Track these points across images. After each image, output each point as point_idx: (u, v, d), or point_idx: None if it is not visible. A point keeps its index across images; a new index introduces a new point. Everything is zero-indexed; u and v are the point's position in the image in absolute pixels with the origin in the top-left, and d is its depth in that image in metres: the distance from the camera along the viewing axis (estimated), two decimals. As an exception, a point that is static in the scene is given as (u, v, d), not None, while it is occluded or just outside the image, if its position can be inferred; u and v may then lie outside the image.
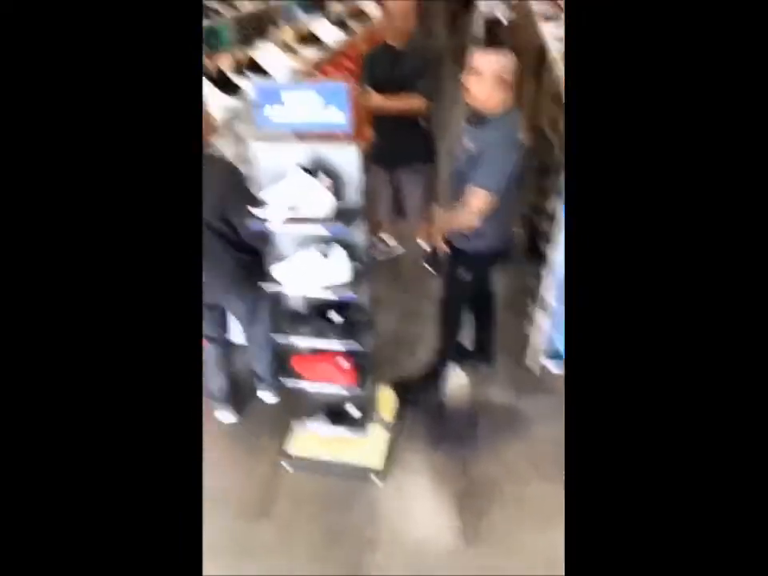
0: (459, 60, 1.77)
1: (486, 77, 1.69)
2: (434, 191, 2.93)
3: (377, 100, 2.49)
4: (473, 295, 2.26)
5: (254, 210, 1.55)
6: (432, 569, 1.81)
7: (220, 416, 2.37)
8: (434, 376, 2.46)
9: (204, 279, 1.66)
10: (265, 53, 2.87)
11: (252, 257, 1.91)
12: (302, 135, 1.63)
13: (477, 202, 1.77)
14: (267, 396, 2.45)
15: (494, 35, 8.86)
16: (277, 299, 1.94)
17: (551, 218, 2.43)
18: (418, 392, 2.45)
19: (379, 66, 2.58)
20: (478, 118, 1.82)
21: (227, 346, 2.32)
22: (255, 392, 2.45)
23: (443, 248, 2.07)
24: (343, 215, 1.57)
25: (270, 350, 2.26)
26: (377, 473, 2.07)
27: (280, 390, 2.37)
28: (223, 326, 2.26)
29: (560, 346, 2.45)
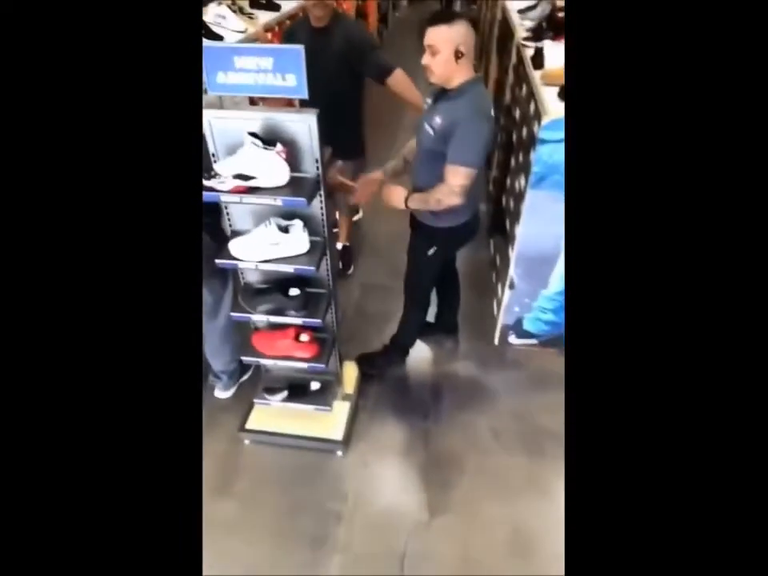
0: (422, 34, 1.71)
1: (443, 51, 1.64)
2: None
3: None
4: (440, 271, 2.25)
5: (207, 182, 1.48)
6: (397, 540, 1.84)
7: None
8: (398, 351, 2.46)
9: None
10: (215, 15, 2.72)
11: (216, 239, 1.81)
12: (256, 102, 1.56)
13: (458, 179, 1.73)
14: (223, 393, 2.34)
15: (449, 4, 8.75)
16: (235, 276, 1.88)
17: (516, 195, 2.44)
18: (382, 366, 2.45)
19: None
20: (442, 94, 1.78)
21: None
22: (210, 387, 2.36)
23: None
24: (301, 187, 1.52)
25: (231, 346, 2.18)
26: (339, 445, 2.08)
27: (238, 386, 2.32)
28: None
29: (524, 321, 2.49)
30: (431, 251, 2.03)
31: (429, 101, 1.87)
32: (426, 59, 1.68)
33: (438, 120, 1.74)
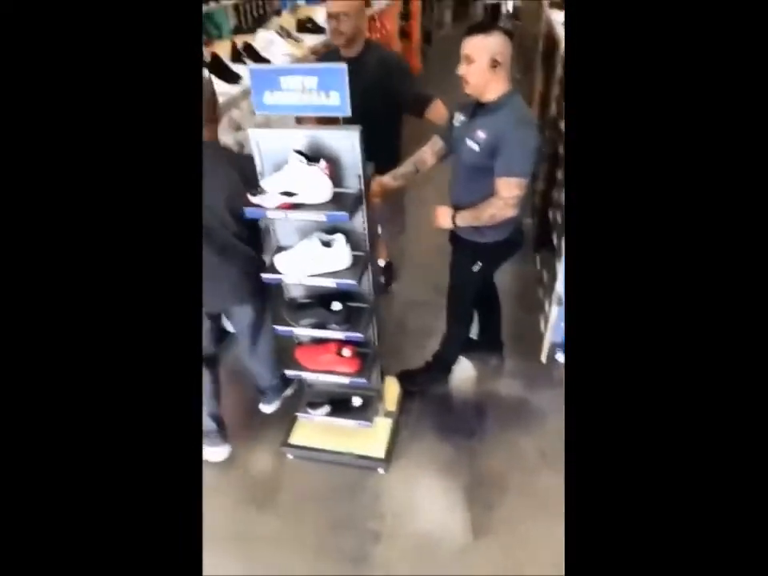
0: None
1: (478, 60, 1.64)
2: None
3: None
4: (481, 287, 2.22)
5: (253, 199, 1.53)
6: (439, 562, 1.79)
7: (210, 455, 2.12)
8: (441, 367, 2.43)
9: (208, 285, 1.44)
10: (264, 40, 2.83)
11: (260, 255, 1.85)
12: (302, 120, 1.59)
13: (512, 191, 1.72)
14: (267, 408, 2.32)
15: (493, 20, 8.77)
16: (278, 291, 1.91)
17: (563, 208, 2.38)
18: (424, 383, 2.42)
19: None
20: (479, 108, 1.77)
21: (216, 366, 2.12)
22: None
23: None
24: (344, 202, 1.54)
25: (273, 361, 2.17)
26: (381, 462, 2.06)
27: (282, 400, 2.33)
28: (217, 341, 2.13)
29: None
30: (476, 267, 2.01)
31: (462, 117, 1.86)
32: (461, 69, 1.69)
33: (481, 135, 1.73)
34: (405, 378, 2.39)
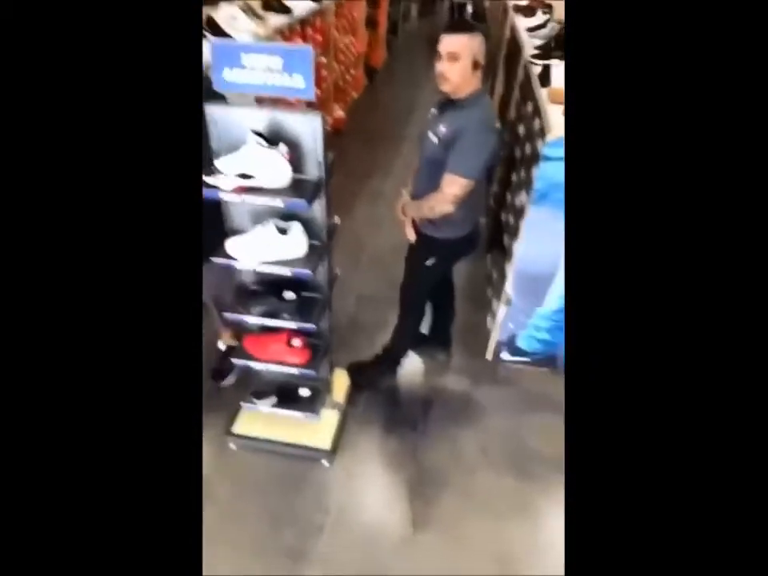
0: (434, 45, 1.70)
1: (463, 59, 1.64)
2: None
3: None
4: (436, 283, 2.23)
5: (208, 179, 1.46)
6: (379, 555, 1.79)
7: None
8: (390, 361, 2.43)
9: None
10: (226, 15, 2.72)
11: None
12: (263, 101, 1.54)
13: (453, 189, 1.72)
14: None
15: (462, 18, 8.83)
16: (230, 275, 1.85)
17: (516, 211, 2.43)
18: (372, 376, 2.42)
19: None
20: (449, 103, 1.77)
21: None
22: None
23: (412, 235, 2.03)
24: (303, 189, 1.50)
25: None
26: (326, 454, 2.04)
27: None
28: None
29: (518, 338, 2.47)
30: (429, 261, 2.01)
31: (434, 110, 1.86)
32: (442, 66, 1.67)
33: (442, 129, 1.73)
34: (354, 371, 2.38)
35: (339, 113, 4.83)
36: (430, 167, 1.83)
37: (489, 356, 2.58)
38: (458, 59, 1.64)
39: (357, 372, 2.38)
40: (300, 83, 1.39)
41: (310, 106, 1.49)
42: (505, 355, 2.56)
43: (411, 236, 2.01)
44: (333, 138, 4.53)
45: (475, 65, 1.66)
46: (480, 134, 1.68)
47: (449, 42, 1.65)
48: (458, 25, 1.69)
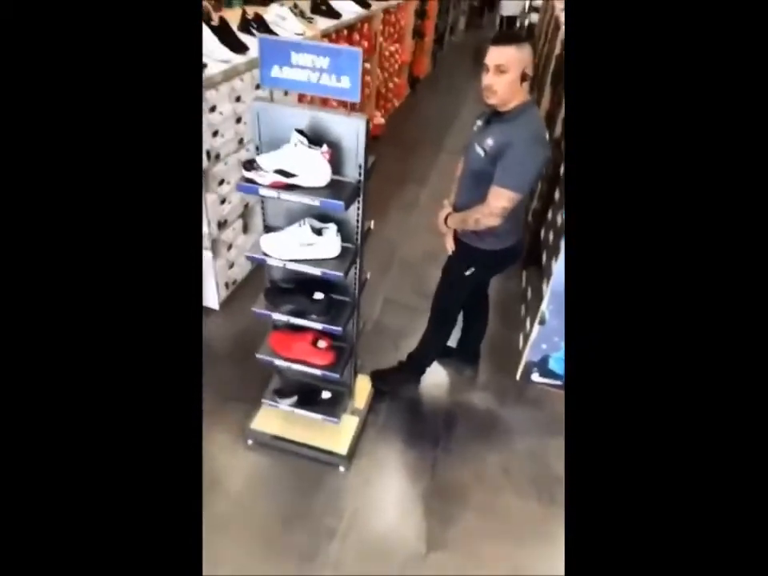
0: (479, 58, 1.67)
1: (511, 71, 1.60)
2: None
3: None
4: (471, 296, 2.19)
5: (247, 173, 1.46)
6: (390, 568, 1.75)
7: None
8: (414, 369, 2.40)
9: None
10: (275, 14, 2.75)
11: None
12: (302, 100, 1.54)
13: (501, 202, 1.69)
14: None
15: (510, 30, 8.81)
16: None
17: (557, 229, 2.37)
18: (395, 384, 2.38)
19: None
20: (495, 116, 1.74)
21: None
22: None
23: (451, 247, 1.99)
24: (341, 190, 1.49)
25: None
26: (342, 459, 2.01)
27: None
28: None
29: (550, 360, 2.40)
30: (468, 272, 1.98)
31: (479, 123, 1.83)
32: (489, 79, 1.63)
33: (489, 142, 1.70)
34: (377, 377, 2.35)
35: (379, 119, 4.84)
36: (474, 180, 1.80)
37: (518, 376, 2.51)
38: (505, 71, 1.60)
39: (380, 379, 2.35)
40: (346, 84, 1.38)
41: (353, 108, 1.48)
42: (535, 376, 2.49)
43: (450, 247, 1.98)
44: (372, 143, 4.54)
45: (523, 77, 1.63)
46: (529, 146, 1.64)
47: (496, 54, 1.61)
48: (506, 37, 1.64)
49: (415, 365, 2.37)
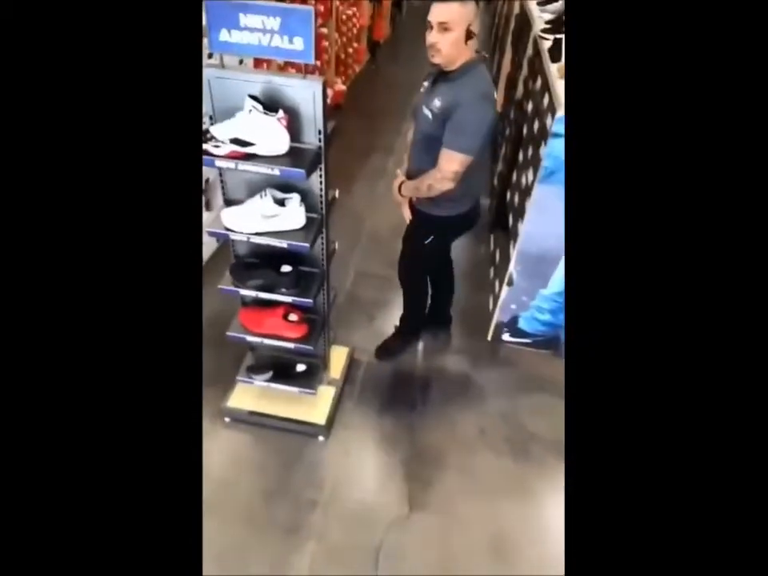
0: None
1: (455, 29, 1.55)
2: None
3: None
4: (434, 262, 2.19)
5: (204, 146, 1.40)
6: (373, 534, 1.78)
7: None
8: (410, 330, 2.43)
9: None
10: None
11: None
12: (259, 67, 1.47)
13: (451, 166, 1.66)
14: None
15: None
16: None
17: (522, 190, 2.37)
18: (398, 350, 2.42)
19: None
20: (441, 76, 1.70)
21: None
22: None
23: (408, 216, 1.98)
24: (301, 158, 1.45)
25: None
26: (321, 429, 2.02)
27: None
28: None
29: (519, 320, 2.43)
30: (428, 240, 1.97)
31: (426, 84, 1.78)
32: (433, 37, 1.58)
33: (437, 103, 1.67)
34: (381, 352, 2.39)
35: (340, 86, 4.72)
36: (425, 144, 1.77)
37: (489, 337, 2.54)
38: (449, 29, 1.55)
39: (384, 351, 2.39)
40: (300, 45, 1.33)
41: (309, 71, 1.42)
42: (506, 337, 2.52)
43: (408, 216, 1.96)
44: (333, 112, 4.42)
45: (468, 35, 1.58)
46: (476, 105, 1.60)
47: (439, 11, 1.55)
48: None
49: (407, 328, 2.41)
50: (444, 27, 1.56)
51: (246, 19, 1.33)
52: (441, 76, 1.70)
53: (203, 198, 2.66)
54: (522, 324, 2.45)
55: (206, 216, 2.70)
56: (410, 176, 1.86)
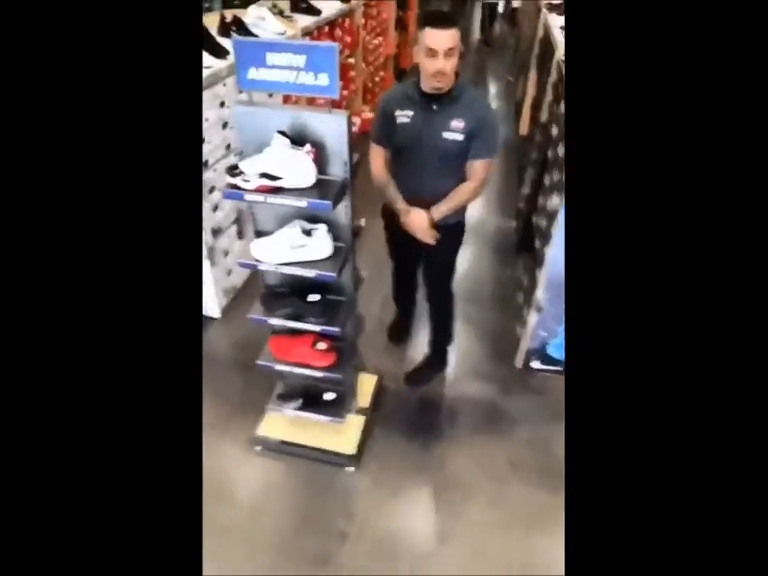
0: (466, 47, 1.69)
1: (456, 52, 1.62)
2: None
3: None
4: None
5: (231, 179, 1.45)
6: (403, 565, 1.74)
7: None
8: (439, 354, 2.42)
9: None
10: (254, 16, 2.72)
11: None
12: (288, 101, 1.52)
13: (486, 171, 1.79)
14: None
15: (491, 20, 8.74)
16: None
17: (548, 214, 2.35)
18: (429, 376, 2.41)
19: None
20: (436, 99, 1.71)
21: None
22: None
23: (435, 235, 1.95)
24: (327, 190, 1.47)
25: None
26: (350, 459, 2.00)
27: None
28: None
29: (549, 346, 2.38)
30: (455, 245, 2.07)
31: (410, 113, 1.74)
32: (441, 63, 1.60)
33: (460, 124, 1.72)
34: (411, 380, 2.39)
35: (367, 114, 4.81)
36: (449, 165, 1.80)
37: (518, 364, 2.50)
38: (453, 54, 1.61)
39: (413, 380, 2.39)
40: (324, 81, 1.36)
41: (335, 105, 1.46)
42: (535, 363, 2.47)
43: (434, 237, 1.90)
44: (362, 139, 4.50)
45: (462, 55, 1.68)
46: (490, 111, 1.78)
47: (445, 38, 1.58)
48: (449, 19, 1.60)
49: (441, 352, 2.41)
50: (450, 53, 1.61)
51: (272, 57, 1.38)
52: (433, 99, 1.71)
53: (236, 228, 2.73)
54: (552, 351, 2.40)
55: (240, 245, 2.77)
56: (427, 201, 1.81)
